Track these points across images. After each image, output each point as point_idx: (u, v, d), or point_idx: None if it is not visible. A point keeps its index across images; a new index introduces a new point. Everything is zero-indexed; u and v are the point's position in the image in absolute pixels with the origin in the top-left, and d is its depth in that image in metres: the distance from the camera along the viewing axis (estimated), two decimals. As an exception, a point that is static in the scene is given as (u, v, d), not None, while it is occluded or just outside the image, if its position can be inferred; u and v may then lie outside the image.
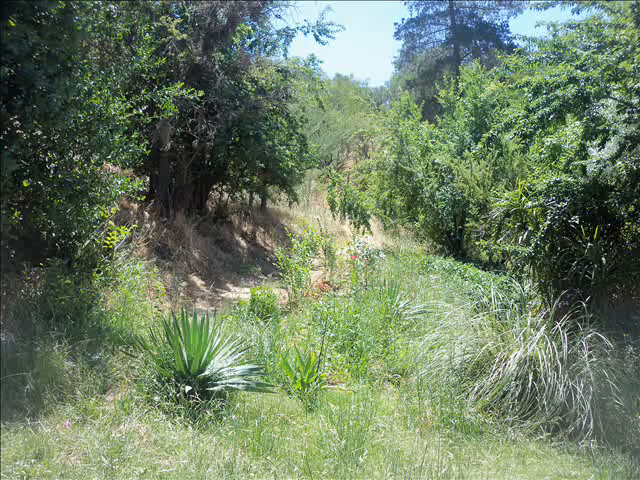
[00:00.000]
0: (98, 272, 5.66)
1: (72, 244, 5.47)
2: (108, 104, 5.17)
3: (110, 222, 6.23)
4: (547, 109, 5.00)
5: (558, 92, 4.96)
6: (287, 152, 12.54)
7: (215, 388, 4.00)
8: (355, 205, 13.16)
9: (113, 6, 5.43)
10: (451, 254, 13.01)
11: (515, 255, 5.74)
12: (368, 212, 13.26)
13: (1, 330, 4.34)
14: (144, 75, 6.55)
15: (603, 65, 4.75)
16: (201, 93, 7.56)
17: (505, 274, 8.19)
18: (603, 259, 5.19)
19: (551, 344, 4.52)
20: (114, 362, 4.47)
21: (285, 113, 12.64)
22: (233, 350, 4.46)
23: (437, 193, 13.36)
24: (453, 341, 5.06)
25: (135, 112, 5.80)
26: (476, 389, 4.50)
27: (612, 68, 4.71)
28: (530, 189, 5.97)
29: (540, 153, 6.94)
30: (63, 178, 4.85)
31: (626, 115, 5.01)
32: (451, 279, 9.19)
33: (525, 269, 6.13)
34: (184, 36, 9.36)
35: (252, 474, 3.15)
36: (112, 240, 5.94)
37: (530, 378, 4.38)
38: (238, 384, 4.09)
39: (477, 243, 8.08)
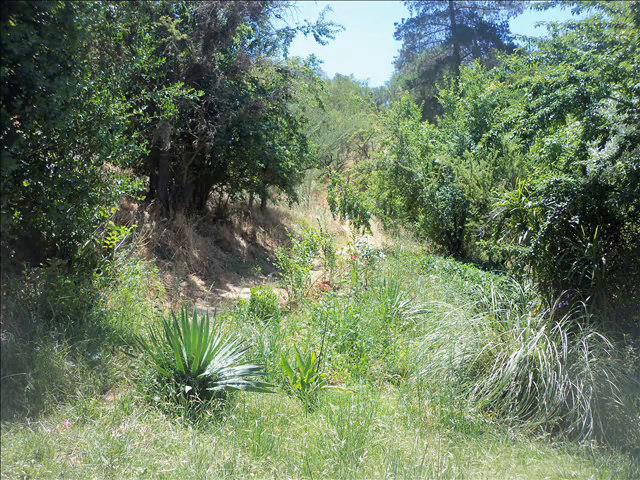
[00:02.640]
0: (98, 272, 5.66)
1: (72, 244, 5.47)
2: (108, 104, 5.18)
3: (110, 222, 6.24)
4: (547, 109, 5.01)
5: (558, 92, 4.96)
6: (287, 152, 12.54)
7: (215, 388, 4.00)
8: (355, 205, 13.17)
9: (113, 6, 5.44)
10: (451, 254, 13.02)
11: (515, 255, 5.75)
12: (368, 212, 13.27)
13: (1, 330, 4.34)
14: (144, 75, 6.56)
15: (603, 65, 4.75)
16: (201, 93, 7.56)
17: (505, 274, 8.19)
18: (603, 259, 5.19)
19: (551, 344, 4.52)
20: (114, 362, 4.47)
21: (285, 113, 12.65)
22: (233, 350, 4.46)
23: (437, 193, 13.36)
24: (453, 341, 5.06)
25: (135, 112, 5.81)
26: (476, 389, 4.50)
27: (612, 68, 4.71)
28: (530, 189, 5.98)
29: (540, 153, 6.95)
30: (63, 178, 4.85)
31: (626, 115, 5.01)
32: (451, 279, 9.19)
33: (525, 269, 6.12)
34: (184, 36, 9.36)
35: (252, 474, 3.15)
36: (112, 240, 5.95)
37: (530, 378, 4.37)
38: (238, 384, 4.09)
39: (477, 243, 8.08)
